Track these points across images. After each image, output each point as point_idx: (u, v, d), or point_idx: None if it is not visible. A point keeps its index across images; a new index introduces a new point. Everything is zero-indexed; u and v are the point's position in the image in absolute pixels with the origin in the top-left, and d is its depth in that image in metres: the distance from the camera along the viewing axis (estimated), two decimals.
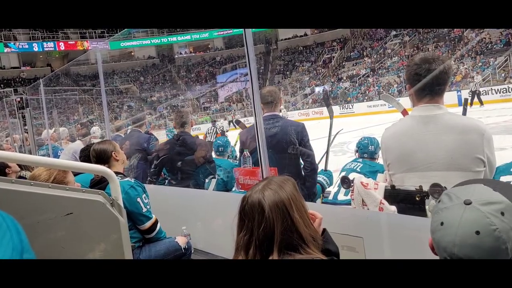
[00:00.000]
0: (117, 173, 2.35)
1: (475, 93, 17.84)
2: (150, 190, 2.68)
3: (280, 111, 3.35)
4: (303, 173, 2.87)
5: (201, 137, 4.34)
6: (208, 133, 11.88)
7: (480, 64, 21.99)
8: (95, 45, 31.74)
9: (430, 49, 25.00)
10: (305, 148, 2.81)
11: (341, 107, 24.83)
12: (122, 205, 1.65)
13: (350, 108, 24.39)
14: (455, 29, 24.60)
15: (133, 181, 2.53)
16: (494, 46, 22.79)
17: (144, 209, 2.49)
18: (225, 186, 3.55)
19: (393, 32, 29.37)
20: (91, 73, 31.16)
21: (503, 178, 1.98)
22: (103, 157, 2.60)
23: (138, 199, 2.47)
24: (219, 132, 12.34)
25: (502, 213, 0.86)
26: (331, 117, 3.39)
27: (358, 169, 3.24)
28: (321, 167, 3.21)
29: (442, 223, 0.91)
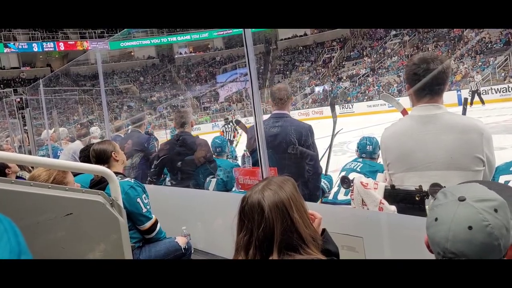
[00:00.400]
0: (116, 173, 2.35)
1: (475, 93, 17.83)
2: (150, 190, 2.68)
3: None
4: (306, 176, 2.84)
5: (202, 136, 4.30)
6: (226, 131, 11.70)
7: (480, 63, 21.99)
8: (95, 45, 31.72)
9: (430, 49, 24.99)
10: (308, 150, 2.74)
11: (341, 106, 24.82)
12: (122, 205, 1.64)
13: (350, 108, 24.38)
14: (454, 29, 24.60)
15: (133, 181, 2.54)
16: (494, 46, 22.79)
17: (144, 210, 2.49)
18: (224, 186, 3.55)
19: (393, 32, 29.36)
20: (91, 73, 31.13)
21: (503, 178, 1.99)
22: (102, 157, 2.60)
23: (138, 200, 2.47)
24: (235, 132, 12.15)
25: (496, 210, 0.87)
26: (335, 122, 3.37)
27: (358, 169, 3.25)
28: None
29: (436, 219, 0.92)
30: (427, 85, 1.76)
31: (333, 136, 3.42)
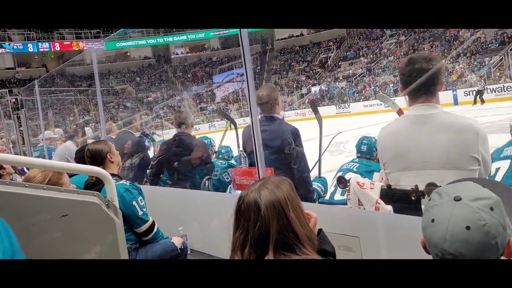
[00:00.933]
0: (112, 175, 2.33)
1: (480, 92, 18.11)
2: (146, 191, 2.66)
3: None
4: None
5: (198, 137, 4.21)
6: None
7: (475, 63, 22.10)
8: (91, 45, 31.56)
9: (426, 49, 25.10)
10: (292, 154, 2.65)
11: (337, 106, 24.89)
12: (117, 206, 1.64)
13: (346, 108, 24.45)
14: (450, 29, 24.71)
15: (128, 183, 2.50)
16: (489, 45, 22.91)
17: (140, 212, 2.45)
18: (217, 190, 3.53)
19: (389, 32, 29.47)
20: (86, 74, 31.02)
21: (495, 165, 2.00)
22: (97, 158, 2.54)
23: (134, 202, 2.43)
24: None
25: (491, 208, 0.87)
26: (320, 125, 3.35)
27: (354, 169, 3.24)
28: (314, 173, 3.15)
29: (433, 220, 0.92)
30: (422, 85, 1.77)
31: (321, 136, 3.39)
